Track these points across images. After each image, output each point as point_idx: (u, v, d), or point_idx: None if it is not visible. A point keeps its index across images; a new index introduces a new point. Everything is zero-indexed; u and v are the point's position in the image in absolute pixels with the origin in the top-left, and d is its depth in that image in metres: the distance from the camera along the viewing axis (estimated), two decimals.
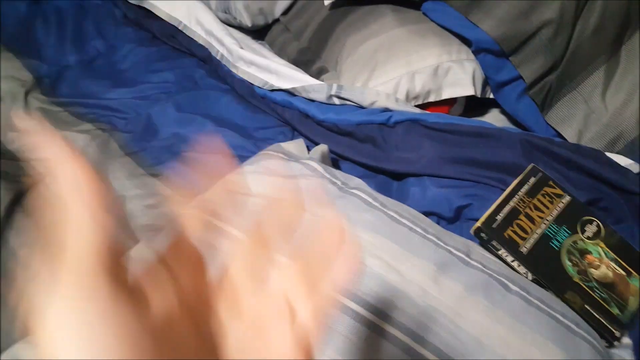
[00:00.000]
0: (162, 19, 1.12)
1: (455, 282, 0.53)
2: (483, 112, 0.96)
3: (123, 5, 1.22)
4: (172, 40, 1.11)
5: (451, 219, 0.69)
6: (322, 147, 0.79)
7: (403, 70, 0.84)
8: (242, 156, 0.85)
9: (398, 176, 0.78)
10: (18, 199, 0.81)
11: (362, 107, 0.83)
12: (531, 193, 0.65)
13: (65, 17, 1.21)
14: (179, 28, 1.08)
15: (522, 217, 0.64)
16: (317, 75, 0.97)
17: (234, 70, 0.98)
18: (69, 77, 1.05)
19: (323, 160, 0.76)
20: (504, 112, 0.93)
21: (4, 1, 1.22)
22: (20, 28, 1.18)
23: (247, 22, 1.11)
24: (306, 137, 0.88)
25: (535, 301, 0.55)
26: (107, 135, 0.88)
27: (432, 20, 0.89)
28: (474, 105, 0.95)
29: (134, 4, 1.18)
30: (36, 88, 1.03)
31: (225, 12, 1.13)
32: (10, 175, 0.85)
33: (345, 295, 0.51)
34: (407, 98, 0.85)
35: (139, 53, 1.09)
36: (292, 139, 0.90)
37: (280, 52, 1.08)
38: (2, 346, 0.60)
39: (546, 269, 0.61)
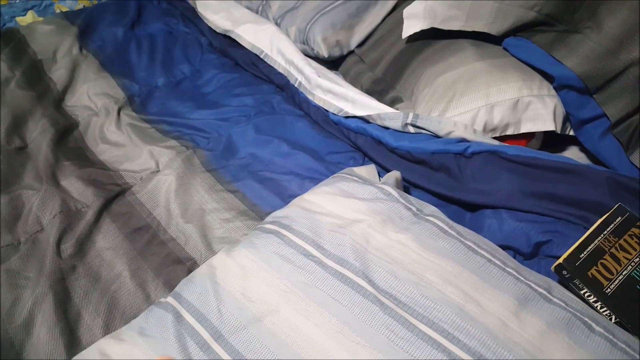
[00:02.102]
0: (245, 48, 1.19)
1: (536, 317, 0.52)
2: (561, 148, 0.93)
3: (209, 34, 1.31)
4: (252, 68, 1.18)
5: (528, 254, 0.67)
6: (396, 174, 0.79)
7: (482, 102, 0.84)
8: (314, 178, 0.88)
9: (471, 207, 0.77)
10: (106, 205, 0.87)
11: (437, 137, 0.83)
12: (617, 233, 0.63)
13: (156, 43, 1.32)
14: (261, 57, 1.15)
15: (607, 257, 0.61)
16: (390, 104, 0.99)
17: (310, 97, 1.02)
18: (157, 97, 1.14)
19: (396, 186, 0.77)
20: (583, 149, 0.90)
21: (105, 27, 1.36)
22: (116, 51, 1.29)
23: (324, 53, 1.16)
24: (377, 163, 0.89)
25: (621, 344, 0.52)
26: (190, 152, 0.94)
27: (513, 56, 0.89)
28: (551, 142, 0.93)
29: (220, 33, 1.27)
30: (128, 105, 1.12)
31: (304, 43, 1.19)
32: (100, 182, 0.93)
33: (423, 322, 0.51)
34: (485, 130, 0.84)
35: (222, 78, 1.17)
36: (362, 164, 0.92)
37: (354, 82, 1.12)
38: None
39: (632, 312, 0.57)
